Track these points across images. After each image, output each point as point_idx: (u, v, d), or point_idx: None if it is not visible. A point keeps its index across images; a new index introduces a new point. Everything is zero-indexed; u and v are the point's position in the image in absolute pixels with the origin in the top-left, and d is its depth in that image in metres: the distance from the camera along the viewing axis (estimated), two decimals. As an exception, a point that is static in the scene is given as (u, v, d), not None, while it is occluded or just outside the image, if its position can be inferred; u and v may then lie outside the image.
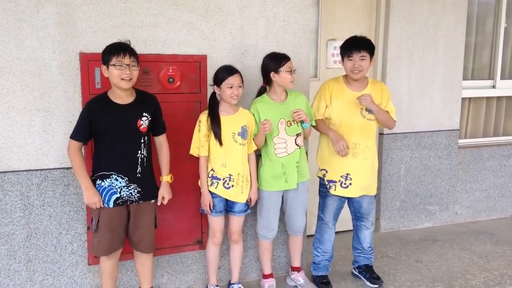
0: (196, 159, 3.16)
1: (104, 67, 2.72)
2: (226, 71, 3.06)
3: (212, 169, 3.13)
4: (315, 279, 3.57)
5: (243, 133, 3.13)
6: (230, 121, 3.11)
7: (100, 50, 2.97)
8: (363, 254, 3.63)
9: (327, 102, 3.34)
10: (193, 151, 3.12)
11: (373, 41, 3.40)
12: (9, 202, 2.98)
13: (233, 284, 3.40)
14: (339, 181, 3.36)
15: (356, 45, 3.26)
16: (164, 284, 3.42)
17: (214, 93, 3.14)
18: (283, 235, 3.68)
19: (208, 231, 3.28)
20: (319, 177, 3.47)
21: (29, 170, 2.99)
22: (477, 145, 5.23)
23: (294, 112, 3.16)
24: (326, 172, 3.40)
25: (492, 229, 4.92)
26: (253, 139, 3.22)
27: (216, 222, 3.20)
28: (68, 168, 3.05)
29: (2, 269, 3.01)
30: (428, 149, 4.85)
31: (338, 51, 3.66)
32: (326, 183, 3.40)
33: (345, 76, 3.40)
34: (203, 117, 3.09)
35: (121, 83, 2.70)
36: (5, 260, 3.01)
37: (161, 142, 2.99)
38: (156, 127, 2.95)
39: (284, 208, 3.40)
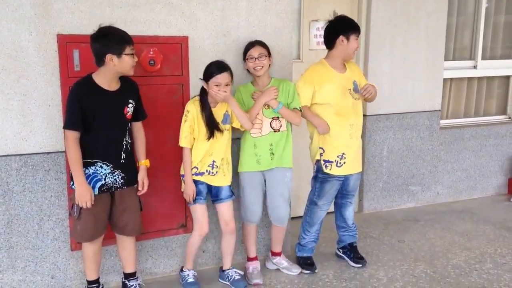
0: (178, 146, 3.10)
1: (113, 56, 2.62)
2: (216, 68, 3.00)
3: (195, 167, 3.10)
4: (299, 260, 3.59)
5: (226, 120, 3.14)
6: (215, 112, 3.10)
7: (78, 32, 2.92)
8: (348, 232, 3.65)
9: (314, 87, 3.31)
10: (182, 142, 3.07)
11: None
12: (-12, 188, 2.92)
13: (227, 270, 3.37)
14: (335, 161, 3.37)
15: (358, 27, 3.34)
16: (149, 268, 3.41)
17: (203, 88, 3.08)
18: (267, 217, 3.68)
19: (194, 223, 3.24)
20: (317, 160, 3.44)
21: (8, 155, 2.92)
22: (458, 126, 5.28)
23: (253, 97, 3.24)
24: (323, 151, 3.39)
25: (473, 208, 4.99)
26: (242, 118, 3.16)
27: (201, 212, 3.15)
28: (48, 153, 3.00)
29: (-17, 256, 2.97)
30: (410, 130, 4.88)
31: (321, 32, 3.65)
32: (322, 162, 3.39)
33: (328, 59, 3.39)
34: (191, 107, 3.05)
35: (130, 71, 2.73)
36: (-15, 247, 2.97)
37: (139, 128, 2.99)
38: (138, 114, 2.93)
39: (266, 196, 3.40)
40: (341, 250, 3.74)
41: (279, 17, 3.51)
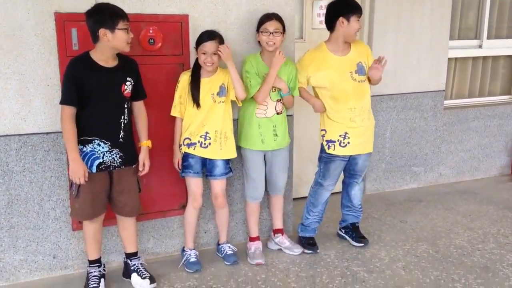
0: (179, 122, 3.13)
1: (106, 31, 2.59)
2: (205, 36, 3.02)
3: (187, 138, 3.11)
4: (301, 240, 3.59)
5: (222, 92, 3.12)
6: (209, 82, 3.09)
7: (76, 10, 2.87)
8: (352, 211, 3.64)
9: (308, 73, 3.30)
10: (172, 111, 3.12)
11: (360, 1, 3.34)
12: (-12, 169, 2.91)
13: (222, 244, 3.41)
14: (338, 140, 3.35)
15: (360, 8, 3.26)
16: (150, 248, 3.41)
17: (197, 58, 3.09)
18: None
19: (188, 195, 3.26)
20: (322, 143, 3.44)
21: (7, 135, 2.91)
22: (462, 106, 5.23)
23: (279, 53, 3.16)
24: (325, 132, 3.39)
25: (476, 189, 4.97)
26: (254, 95, 3.17)
27: (194, 184, 3.18)
28: (47, 133, 2.98)
29: (-16, 236, 2.97)
30: (414, 110, 4.83)
31: (324, 11, 3.58)
32: (325, 143, 3.38)
33: (328, 42, 3.34)
34: (183, 77, 3.08)
35: (126, 47, 2.68)
36: (-13, 227, 2.97)
37: (140, 107, 2.96)
38: (138, 93, 2.90)
39: (266, 169, 3.40)
40: (343, 230, 3.73)
41: (281, -6, 3.44)
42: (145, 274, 3.04)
